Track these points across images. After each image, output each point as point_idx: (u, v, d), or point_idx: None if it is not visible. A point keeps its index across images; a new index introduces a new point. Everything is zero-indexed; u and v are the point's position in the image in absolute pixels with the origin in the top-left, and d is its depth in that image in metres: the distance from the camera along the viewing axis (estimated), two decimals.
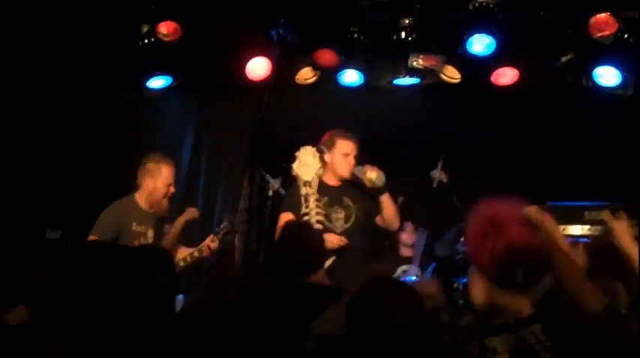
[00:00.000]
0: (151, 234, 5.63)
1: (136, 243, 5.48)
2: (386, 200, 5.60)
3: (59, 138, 6.60)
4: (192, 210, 5.85)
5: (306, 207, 5.30)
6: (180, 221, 5.74)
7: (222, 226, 5.88)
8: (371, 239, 5.93)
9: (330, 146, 5.69)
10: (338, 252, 5.37)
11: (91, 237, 5.40)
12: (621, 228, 4.19)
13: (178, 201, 6.19)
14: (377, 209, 5.62)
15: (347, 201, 5.66)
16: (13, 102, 6.32)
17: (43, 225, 6.19)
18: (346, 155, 5.66)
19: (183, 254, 5.73)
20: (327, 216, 5.60)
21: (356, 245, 5.55)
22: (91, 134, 6.75)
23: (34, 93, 6.42)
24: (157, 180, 5.60)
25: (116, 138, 6.83)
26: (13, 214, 6.19)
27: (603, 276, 3.72)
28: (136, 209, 5.62)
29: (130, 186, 5.82)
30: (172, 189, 5.65)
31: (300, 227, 4.66)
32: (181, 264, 5.61)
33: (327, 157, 5.66)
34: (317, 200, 5.43)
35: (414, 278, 6.90)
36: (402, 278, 6.52)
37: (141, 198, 5.65)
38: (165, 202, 5.67)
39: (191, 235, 6.28)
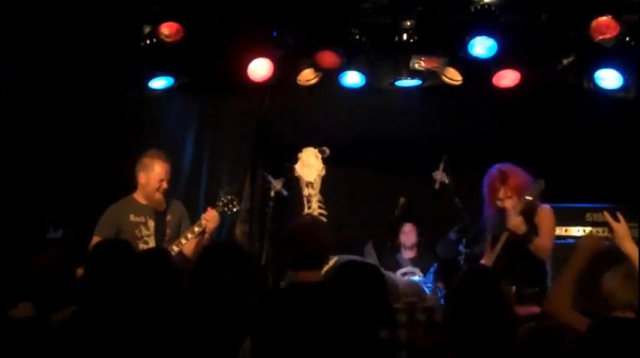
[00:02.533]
0: (151, 224, 5.74)
1: (137, 232, 5.67)
2: None
3: (61, 137, 6.62)
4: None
5: (309, 207, 5.32)
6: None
7: (221, 198, 5.93)
8: None
9: None
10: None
11: (95, 238, 5.55)
12: (622, 230, 4.25)
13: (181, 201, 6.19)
14: None
15: None
16: (16, 102, 6.34)
17: (45, 225, 6.20)
18: None
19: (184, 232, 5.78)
20: (328, 217, 5.62)
21: None
22: (92, 134, 6.77)
23: (37, 93, 6.43)
24: (149, 175, 5.75)
25: (118, 138, 6.83)
26: (16, 213, 6.20)
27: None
28: (133, 203, 5.80)
29: (132, 185, 5.87)
30: (165, 185, 5.75)
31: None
32: (183, 241, 5.65)
33: None
34: (319, 201, 5.46)
35: (416, 278, 6.90)
36: None
37: (138, 195, 5.82)
38: (158, 196, 5.75)
39: None
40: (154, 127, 7.08)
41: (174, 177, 5.98)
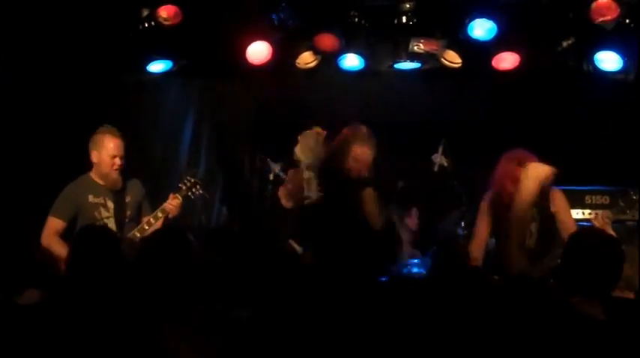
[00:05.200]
0: (110, 205, 5.55)
1: (96, 214, 5.49)
2: None
3: (59, 122, 6.60)
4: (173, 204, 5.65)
5: (309, 190, 5.32)
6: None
7: (184, 181, 5.71)
8: None
9: None
10: None
11: (51, 218, 5.44)
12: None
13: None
14: None
15: None
16: (14, 86, 6.32)
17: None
18: None
19: (146, 218, 5.63)
20: None
21: None
22: (91, 118, 6.73)
23: (35, 78, 6.41)
24: (100, 152, 5.54)
25: (116, 122, 6.79)
26: (17, 200, 6.19)
27: None
28: (90, 183, 5.57)
29: (130, 168, 5.81)
30: (118, 162, 5.52)
31: None
32: (145, 226, 5.50)
33: None
34: (319, 184, 5.45)
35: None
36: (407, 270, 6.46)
37: (94, 173, 5.59)
38: (113, 175, 5.54)
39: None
40: (153, 111, 7.08)
41: (173, 161, 5.96)
